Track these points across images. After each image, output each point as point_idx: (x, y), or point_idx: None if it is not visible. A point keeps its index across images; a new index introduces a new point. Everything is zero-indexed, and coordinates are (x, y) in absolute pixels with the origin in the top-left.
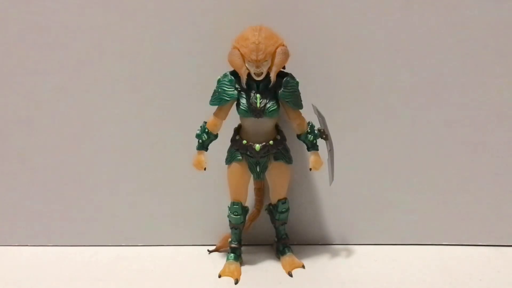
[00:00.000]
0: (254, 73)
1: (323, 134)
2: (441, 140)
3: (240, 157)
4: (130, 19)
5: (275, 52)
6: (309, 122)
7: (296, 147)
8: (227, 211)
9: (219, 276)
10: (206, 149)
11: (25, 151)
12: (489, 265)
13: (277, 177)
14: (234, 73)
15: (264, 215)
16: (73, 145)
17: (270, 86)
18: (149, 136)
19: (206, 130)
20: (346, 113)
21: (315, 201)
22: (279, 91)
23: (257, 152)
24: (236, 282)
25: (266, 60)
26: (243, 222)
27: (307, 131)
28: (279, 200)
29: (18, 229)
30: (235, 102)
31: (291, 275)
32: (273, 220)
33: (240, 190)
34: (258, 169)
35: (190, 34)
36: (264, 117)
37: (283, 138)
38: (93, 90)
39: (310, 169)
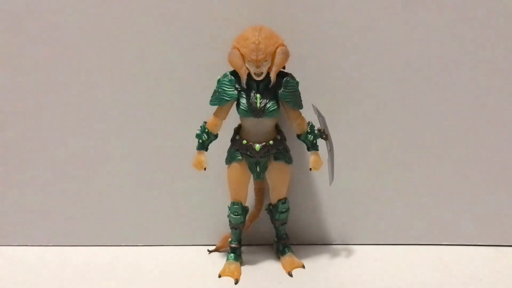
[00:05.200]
0: (254, 73)
1: (323, 134)
2: (441, 140)
3: (240, 157)
4: (130, 19)
5: (275, 52)
6: (309, 122)
7: (296, 147)
8: (227, 211)
9: (219, 276)
10: (206, 149)
11: (25, 151)
12: (489, 265)
13: (277, 177)
14: (234, 73)
15: (264, 215)
16: (73, 145)
17: (270, 86)
18: (149, 136)
19: (206, 130)
20: (346, 113)
21: (315, 201)
22: (279, 91)
23: (257, 152)
24: (236, 282)
25: (266, 60)
26: (243, 222)
27: (307, 131)
28: (279, 200)
29: (18, 229)
30: (235, 102)
31: (291, 275)
32: (273, 220)
33: (240, 190)
34: (258, 169)
35: (190, 34)
36: (264, 117)
37: (283, 138)
38: (93, 90)
39: (310, 169)
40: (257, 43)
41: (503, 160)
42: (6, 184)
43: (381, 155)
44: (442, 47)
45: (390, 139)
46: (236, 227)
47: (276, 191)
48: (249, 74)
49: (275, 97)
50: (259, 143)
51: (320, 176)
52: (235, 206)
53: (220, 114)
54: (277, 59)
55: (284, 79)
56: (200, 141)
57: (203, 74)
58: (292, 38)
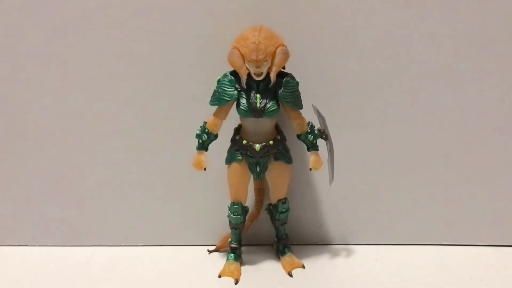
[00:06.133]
0: (254, 73)
1: (323, 134)
2: (441, 140)
3: (240, 157)
4: (130, 19)
5: (275, 52)
6: (309, 122)
7: (296, 147)
8: (227, 211)
9: (219, 276)
10: (206, 149)
11: (25, 151)
12: (489, 265)
13: (277, 177)
14: (234, 73)
15: (264, 215)
16: (73, 145)
17: (270, 86)
18: (149, 136)
19: (206, 130)
20: (346, 113)
21: (315, 201)
22: (279, 91)
23: (257, 152)
24: (236, 282)
25: (266, 60)
26: (243, 222)
27: (307, 131)
28: (279, 200)
29: (18, 229)
30: (235, 102)
31: (291, 275)
32: (273, 220)
33: (240, 190)
34: (258, 169)
35: (190, 34)
36: (264, 117)
37: (283, 138)
38: (93, 90)
39: (310, 169)
40: (257, 43)
41: (503, 160)
42: (6, 184)
43: (381, 155)
44: (443, 48)
45: (390, 139)
46: (236, 227)
47: (276, 191)
48: (249, 74)
49: (275, 97)
50: (259, 143)
51: (320, 176)
52: (235, 206)
53: (220, 114)
54: (277, 59)
55: (284, 79)
56: (200, 141)
57: (203, 74)
58: (292, 38)
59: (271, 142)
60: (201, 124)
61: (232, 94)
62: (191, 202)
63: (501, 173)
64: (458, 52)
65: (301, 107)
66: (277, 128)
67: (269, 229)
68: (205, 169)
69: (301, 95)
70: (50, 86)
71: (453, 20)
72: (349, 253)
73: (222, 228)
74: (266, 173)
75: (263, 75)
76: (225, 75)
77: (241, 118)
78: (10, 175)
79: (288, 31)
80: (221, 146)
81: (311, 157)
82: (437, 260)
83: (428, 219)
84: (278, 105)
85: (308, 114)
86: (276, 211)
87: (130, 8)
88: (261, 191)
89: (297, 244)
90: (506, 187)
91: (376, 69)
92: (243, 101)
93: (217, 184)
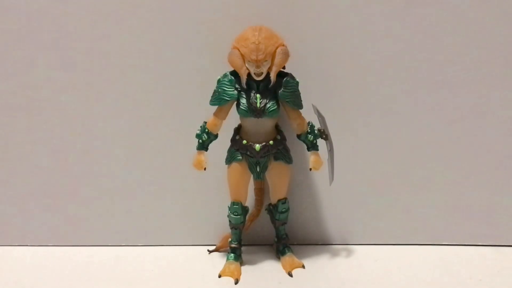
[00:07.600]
0: (254, 73)
1: (323, 134)
2: (441, 140)
3: (240, 157)
4: (130, 18)
5: (275, 52)
6: (309, 122)
7: (296, 147)
8: (227, 211)
9: (219, 276)
10: (206, 149)
11: (25, 151)
12: (489, 265)
13: (277, 177)
14: (234, 73)
15: (264, 215)
16: (73, 145)
17: (270, 86)
18: (149, 136)
19: (206, 130)
20: (346, 113)
21: (315, 201)
22: (279, 91)
23: (257, 152)
24: (236, 282)
25: (266, 60)
26: (243, 222)
27: (307, 131)
28: (279, 200)
29: (18, 229)
30: (235, 102)
31: (291, 275)
32: (273, 220)
33: (240, 190)
34: (258, 169)
35: (190, 34)
36: (264, 117)
37: (283, 138)
38: (94, 90)
39: (310, 169)
40: (257, 43)
41: (503, 160)
42: (6, 184)
43: (381, 155)
44: (443, 48)
45: (390, 139)
46: (236, 227)
47: (276, 191)
48: (249, 74)
49: (275, 97)
50: (259, 143)
51: (320, 176)
52: (235, 206)
53: (220, 114)
54: (277, 59)
55: (284, 79)
56: (200, 141)
57: (203, 74)
58: (292, 38)
59: (271, 142)
60: (201, 124)
61: (232, 94)
62: (191, 202)
63: (501, 173)
64: (459, 52)
65: (301, 107)
66: (277, 128)
67: (269, 229)
68: (205, 169)
69: (301, 95)
70: (50, 86)
71: (454, 20)
72: (349, 253)
73: (222, 228)
74: (266, 173)
75: (263, 75)
76: (225, 75)
77: (241, 118)
78: (11, 175)
79: (288, 31)
80: (221, 146)
81: (311, 157)
82: (437, 260)
83: (428, 219)
84: (278, 105)
85: (308, 114)
86: (276, 211)
87: (129, 8)
88: (261, 191)
89: (297, 244)
90: (506, 187)
91: (376, 69)
92: (243, 101)
93: (217, 184)
